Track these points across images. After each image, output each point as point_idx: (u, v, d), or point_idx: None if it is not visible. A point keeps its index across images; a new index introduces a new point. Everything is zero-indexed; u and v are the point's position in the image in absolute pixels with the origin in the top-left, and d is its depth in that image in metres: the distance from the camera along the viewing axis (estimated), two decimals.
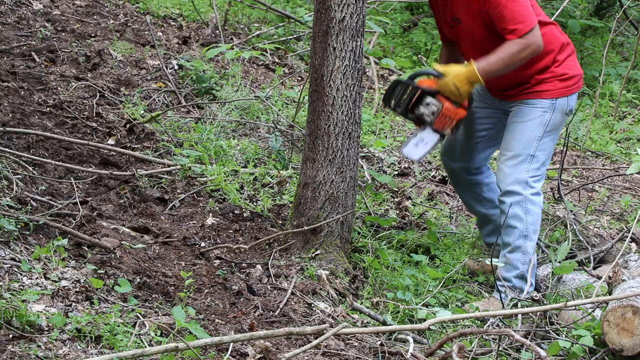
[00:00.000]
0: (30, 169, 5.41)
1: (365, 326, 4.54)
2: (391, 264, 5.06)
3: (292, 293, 4.63)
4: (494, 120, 5.29)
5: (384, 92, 8.35)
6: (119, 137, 6.24)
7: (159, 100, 6.95)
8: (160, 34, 8.30)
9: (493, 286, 5.13)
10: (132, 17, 8.49)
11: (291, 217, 5.07)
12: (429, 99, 5.00)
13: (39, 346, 3.70)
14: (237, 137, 6.55)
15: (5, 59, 6.91)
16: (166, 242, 5.01)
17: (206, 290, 4.55)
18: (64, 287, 4.15)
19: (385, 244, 5.28)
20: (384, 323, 4.53)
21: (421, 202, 6.23)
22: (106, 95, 6.76)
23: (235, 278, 4.73)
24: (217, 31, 8.38)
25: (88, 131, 6.20)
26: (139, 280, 4.42)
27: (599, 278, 4.98)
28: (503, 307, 4.74)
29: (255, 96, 7.13)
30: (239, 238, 5.21)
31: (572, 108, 5.24)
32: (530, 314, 4.58)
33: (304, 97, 6.63)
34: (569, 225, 5.83)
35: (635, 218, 6.16)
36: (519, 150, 5.08)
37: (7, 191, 5.01)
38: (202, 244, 5.06)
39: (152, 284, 4.43)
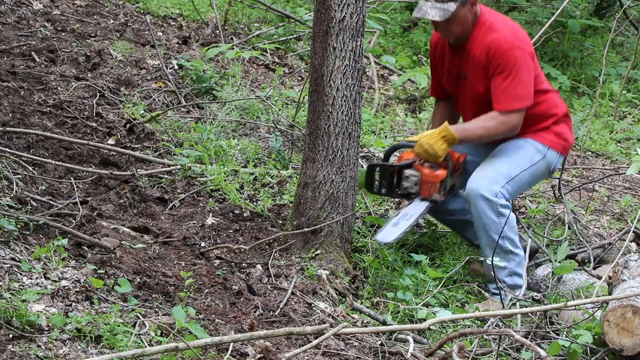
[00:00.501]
0: (30, 169, 5.41)
1: (365, 326, 4.54)
2: (391, 264, 5.05)
3: (292, 293, 4.63)
4: (472, 157, 5.30)
5: (383, 92, 8.38)
6: (119, 137, 6.23)
7: (159, 100, 6.95)
8: (160, 34, 8.30)
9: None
10: (132, 17, 8.49)
11: (291, 217, 5.07)
12: (407, 172, 5.09)
13: (39, 346, 3.70)
14: (237, 137, 6.55)
15: (5, 59, 6.90)
16: (166, 242, 5.01)
17: (206, 290, 4.55)
18: (64, 287, 4.15)
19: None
20: (384, 323, 4.53)
21: None
22: (106, 95, 6.76)
23: (235, 278, 4.73)
24: (217, 31, 8.38)
25: (88, 131, 6.20)
26: (139, 280, 4.42)
27: (599, 278, 4.98)
28: (503, 307, 4.74)
29: (255, 96, 7.13)
30: (239, 238, 5.21)
31: (555, 169, 5.31)
32: (530, 314, 4.58)
33: (304, 97, 6.63)
34: (567, 225, 5.83)
35: (635, 218, 6.16)
36: (502, 166, 5.13)
37: (7, 191, 5.01)
38: (202, 244, 5.06)
39: (152, 284, 4.43)
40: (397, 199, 5.50)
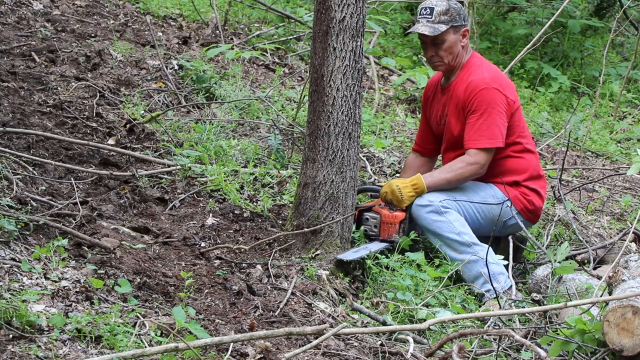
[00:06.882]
0: (30, 169, 5.41)
1: (366, 326, 4.54)
2: (391, 264, 5.05)
3: (292, 293, 4.63)
4: None
5: (383, 92, 8.37)
6: (119, 137, 6.23)
7: (159, 100, 6.95)
8: (160, 34, 8.30)
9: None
10: (132, 17, 8.49)
11: (291, 217, 5.07)
12: (366, 215, 5.20)
13: (39, 346, 3.70)
14: (237, 137, 6.55)
15: (5, 59, 6.91)
16: (166, 242, 5.01)
17: (206, 290, 4.55)
18: (64, 287, 4.15)
19: None
20: (384, 323, 4.53)
21: None
22: (106, 95, 6.76)
23: (235, 278, 4.73)
24: (217, 31, 8.38)
25: (88, 131, 6.20)
26: (139, 280, 4.42)
27: (599, 278, 4.97)
28: (500, 307, 4.74)
29: (256, 96, 7.13)
30: (239, 238, 5.21)
31: (507, 223, 5.26)
32: (529, 314, 4.58)
33: (304, 97, 6.63)
34: (568, 225, 5.83)
35: (635, 218, 6.16)
36: (450, 190, 5.18)
37: (7, 191, 5.01)
38: (202, 244, 5.06)
39: (152, 284, 4.43)
40: None
